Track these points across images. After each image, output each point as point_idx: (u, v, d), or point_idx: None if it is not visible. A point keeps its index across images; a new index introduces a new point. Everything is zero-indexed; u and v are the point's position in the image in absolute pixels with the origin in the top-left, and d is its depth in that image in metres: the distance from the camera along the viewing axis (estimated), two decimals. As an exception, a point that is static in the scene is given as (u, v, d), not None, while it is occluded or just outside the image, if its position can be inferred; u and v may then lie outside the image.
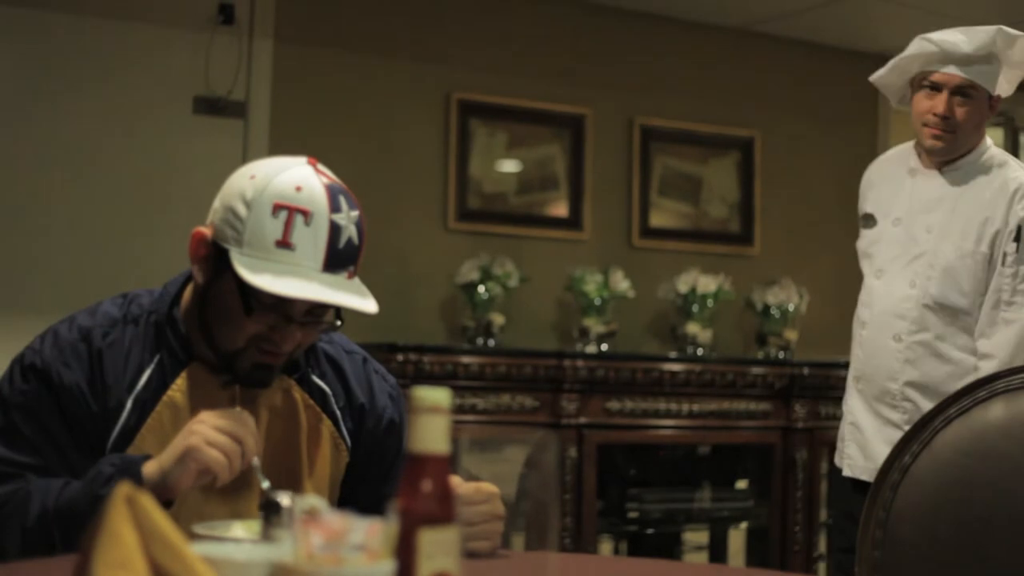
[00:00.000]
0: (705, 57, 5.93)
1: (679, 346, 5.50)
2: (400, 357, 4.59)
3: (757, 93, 6.03)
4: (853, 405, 3.38)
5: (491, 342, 5.06)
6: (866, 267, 3.39)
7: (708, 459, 5.47)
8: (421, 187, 5.30)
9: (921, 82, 3.25)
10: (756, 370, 5.26)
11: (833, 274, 5.99)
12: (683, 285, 5.47)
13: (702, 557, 5.50)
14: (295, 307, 1.85)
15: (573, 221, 5.59)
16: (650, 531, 5.28)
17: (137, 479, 1.75)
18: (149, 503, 1.10)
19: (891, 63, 3.34)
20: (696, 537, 5.53)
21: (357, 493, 2.04)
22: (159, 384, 1.90)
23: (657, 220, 5.80)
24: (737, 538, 5.58)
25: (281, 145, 4.59)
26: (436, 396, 1.07)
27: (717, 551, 5.49)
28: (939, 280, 3.19)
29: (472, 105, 5.40)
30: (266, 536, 1.59)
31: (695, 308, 5.48)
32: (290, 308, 1.85)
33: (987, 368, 3.09)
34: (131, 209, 4.76)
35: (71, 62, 4.72)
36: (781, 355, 5.59)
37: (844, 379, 5.37)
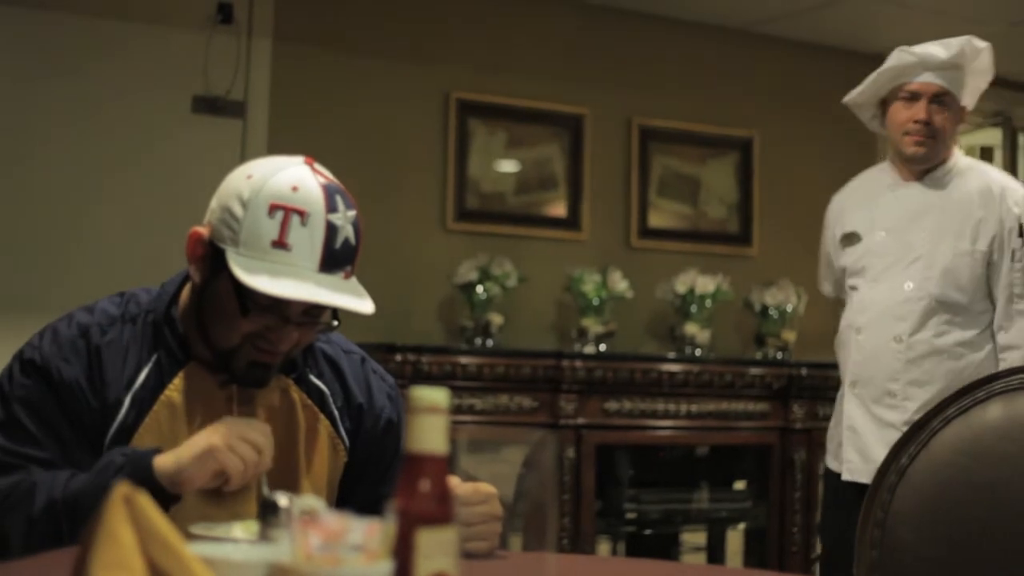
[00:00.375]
0: (704, 57, 5.93)
1: (677, 347, 5.50)
2: (398, 357, 4.59)
3: (756, 94, 6.03)
4: (850, 410, 3.43)
5: (489, 342, 5.06)
6: (855, 280, 3.47)
7: (706, 460, 5.47)
8: (419, 187, 5.30)
9: (898, 94, 3.39)
10: (754, 371, 5.26)
11: (831, 275, 5.99)
12: (681, 286, 5.47)
13: (700, 558, 5.50)
14: (292, 308, 1.85)
15: (572, 221, 5.59)
16: (648, 532, 5.28)
17: (148, 471, 1.75)
18: (147, 503, 1.10)
19: (869, 78, 3.48)
20: (694, 538, 5.53)
21: (355, 493, 2.04)
22: (157, 383, 1.90)
23: (656, 220, 5.80)
24: (735, 539, 5.58)
25: (279, 144, 4.60)
26: (434, 396, 1.07)
27: (715, 552, 5.49)
28: (939, 280, 3.30)
29: (471, 105, 5.40)
30: (264, 537, 1.59)
31: (693, 309, 5.48)
32: (287, 309, 1.84)
33: (1012, 359, 3.26)
34: (129, 208, 4.76)
35: (69, 61, 4.71)
36: (779, 356, 5.59)
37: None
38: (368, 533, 1.08)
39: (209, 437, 1.76)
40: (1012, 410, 1.99)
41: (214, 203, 1.88)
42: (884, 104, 3.48)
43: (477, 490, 1.77)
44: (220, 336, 1.88)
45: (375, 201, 4.97)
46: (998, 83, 6.56)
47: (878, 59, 6.60)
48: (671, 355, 5.33)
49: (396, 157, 5.26)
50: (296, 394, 2.00)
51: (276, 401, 1.97)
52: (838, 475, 3.48)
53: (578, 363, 4.91)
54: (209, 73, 4.92)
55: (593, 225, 5.61)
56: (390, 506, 1.06)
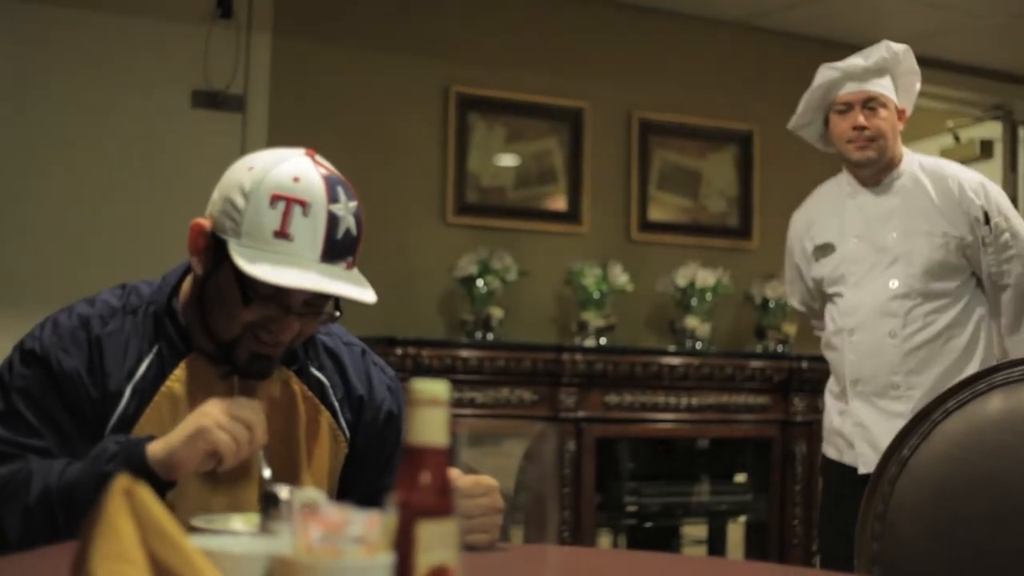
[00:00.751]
0: (704, 51, 5.93)
1: (678, 340, 5.50)
2: (399, 351, 4.59)
3: (756, 87, 6.03)
4: (856, 408, 3.53)
5: (490, 336, 5.06)
6: (836, 288, 3.59)
7: (707, 453, 5.47)
8: (419, 181, 5.30)
9: (833, 108, 3.56)
10: (755, 364, 5.26)
11: (832, 268, 5.99)
12: (682, 279, 5.47)
13: (701, 551, 5.50)
14: (293, 297, 1.85)
15: (572, 215, 5.59)
16: (649, 525, 5.29)
17: (141, 458, 1.75)
18: (147, 496, 1.10)
19: (803, 100, 3.67)
20: (695, 531, 5.53)
21: (355, 485, 2.05)
22: (158, 374, 1.90)
23: (656, 214, 5.80)
24: (736, 532, 5.58)
25: (279, 139, 4.59)
26: (435, 388, 1.07)
27: (716, 545, 5.49)
28: (921, 275, 3.45)
29: (470, 99, 5.40)
30: (264, 529, 1.59)
31: (694, 302, 5.48)
32: (288, 299, 1.85)
33: (1017, 340, 3.47)
34: (129, 202, 4.76)
35: (69, 55, 4.71)
36: (780, 349, 5.59)
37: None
38: (369, 525, 1.08)
39: (198, 419, 1.76)
40: (1013, 402, 1.99)
41: (216, 195, 1.88)
42: (827, 122, 3.63)
43: (478, 483, 1.77)
44: (221, 327, 1.89)
45: (375, 195, 4.96)
46: (998, 76, 6.59)
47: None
48: (671, 348, 5.33)
49: (396, 151, 5.26)
50: (297, 386, 2.00)
51: (277, 393, 1.97)
52: (833, 462, 3.61)
53: (578, 356, 4.91)
54: (209, 67, 4.92)
55: (593, 219, 5.61)
56: (391, 498, 1.06)
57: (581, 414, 4.92)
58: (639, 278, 5.47)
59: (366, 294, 1.84)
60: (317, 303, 1.89)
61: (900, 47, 3.53)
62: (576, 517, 4.87)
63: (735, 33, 5.98)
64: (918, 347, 3.44)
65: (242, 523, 1.67)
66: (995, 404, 2.00)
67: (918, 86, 3.61)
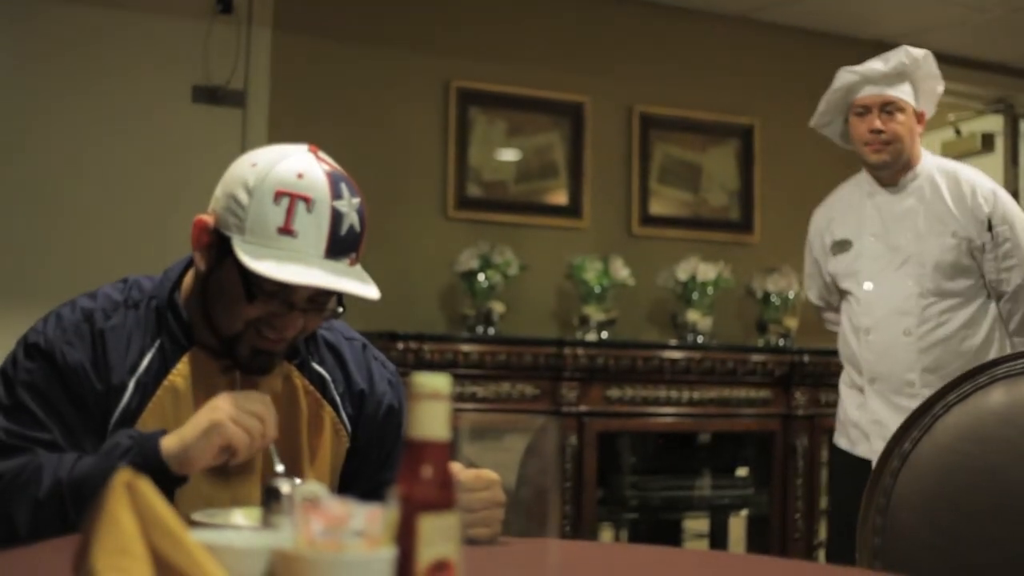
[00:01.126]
0: (704, 45, 5.92)
1: (679, 334, 5.50)
2: (400, 345, 4.59)
3: (756, 81, 6.02)
4: (873, 405, 3.62)
5: (491, 330, 5.06)
6: (850, 284, 3.70)
7: (708, 447, 5.47)
8: (420, 176, 5.30)
9: (851, 110, 3.64)
10: (756, 358, 5.26)
11: (833, 261, 5.99)
12: (683, 273, 5.47)
13: (703, 544, 5.51)
14: (297, 294, 1.85)
15: (573, 209, 5.59)
16: (650, 519, 5.29)
17: (155, 452, 1.75)
18: (148, 489, 1.10)
19: (823, 101, 3.75)
20: (697, 525, 5.54)
21: (356, 479, 2.05)
22: (160, 368, 1.90)
23: (657, 208, 5.80)
24: (738, 525, 5.58)
25: (280, 134, 4.59)
26: (436, 382, 1.07)
27: (718, 538, 5.50)
28: (931, 275, 3.55)
29: (471, 93, 5.40)
30: (266, 523, 1.59)
31: (695, 296, 5.48)
32: (292, 295, 1.85)
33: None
34: (130, 197, 4.76)
35: (70, 51, 4.71)
36: (781, 343, 5.59)
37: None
38: (370, 519, 1.08)
39: (211, 414, 1.76)
40: (1014, 395, 1.99)
41: (219, 191, 1.88)
42: (846, 120, 3.72)
43: (479, 476, 1.77)
44: (224, 322, 1.89)
45: (376, 190, 4.96)
46: (999, 69, 6.58)
47: (879, 45, 6.61)
48: (673, 342, 5.33)
49: (397, 146, 5.26)
50: (299, 380, 2.00)
51: (279, 387, 1.98)
52: (843, 452, 3.71)
53: (580, 351, 4.91)
54: (209, 62, 4.91)
55: (594, 213, 5.61)
56: (392, 492, 1.06)
57: (582, 408, 4.92)
58: (640, 272, 5.46)
59: (370, 290, 1.84)
60: (320, 299, 1.89)
61: (919, 52, 3.61)
62: (577, 511, 4.88)
63: (736, 27, 5.97)
64: (933, 345, 3.52)
65: (243, 517, 1.67)
66: (996, 397, 2.00)
67: (940, 89, 3.69)
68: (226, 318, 1.88)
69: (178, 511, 1.16)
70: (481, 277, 5.09)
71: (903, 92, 3.59)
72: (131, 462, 1.71)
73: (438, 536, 1.05)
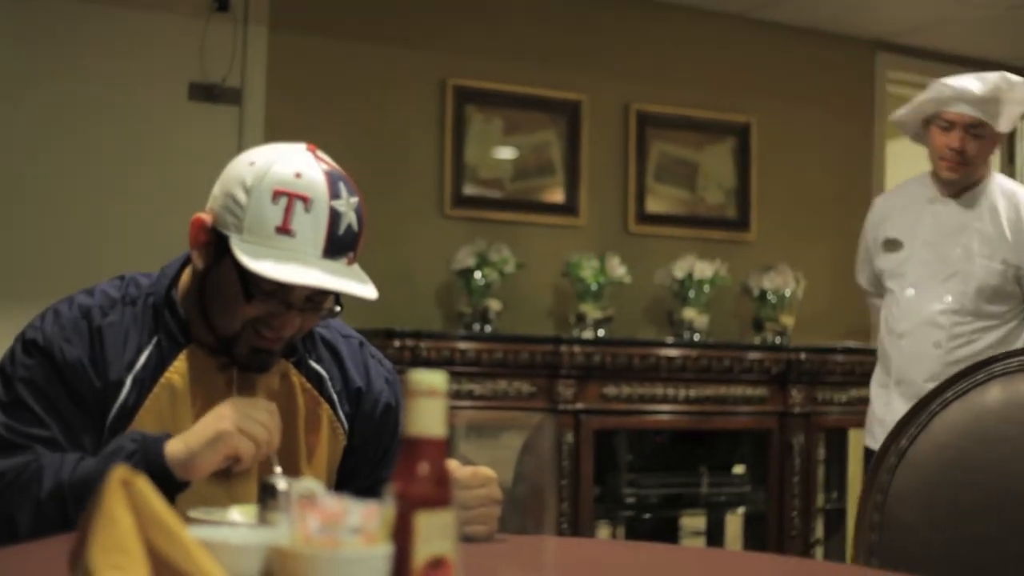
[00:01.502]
0: (701, 43, 5.92)
1: (676, 332, 5.50)
2: (397, 343, 4.59)
3: (753, 79, 6.02)
4: (896, 405, 3.66)
5: (488, 328, 5.06)
6: (894, 284, 3.77)
7: (705, 444, 5.47)
8: (417, 174, 5.30)
9: (936, 120, 3.66)
10: (753, 355, 5.26)
11: (829, 259, 5.99)
12: (679, 271, 5.47)
13: (699, 542, 5.51)
14: (295, 293, 1.85)
15: (569, 207, 5.59)
16: (647, 516, 5.29)
17: (159, 457, 1.75)
18: (145, 487, 1.10)
19: (913, 103, 3.76)
20: (693, 522, 5.54)
21: (353, 477, 2.05)
22: (157, 365, 1.91)
23: (653, 206, 5.80)
24: (734, 523, 5.58)
25: (276, 132, 4.59)
26: (433, 379, 1.07)
27: (714, 536, 5.50)
28: (974, 296, 3.62)
29: (468, 91, 5.40)
30: (263, 520, 1.59)
31: (691, 294, 5.48)
32: (290, 294, 1.85)
33: None
34: (126, 194, 4.75)
35: (65, 48, 4.71)
36: (778, 340, 5.59)
37: (841, 364, 5.45)
38: (367, 516, 1.08)
39: (217, 423, 1.76)
40: (1011, 392, 1.99)
41: (217, 190, 1.88)
42: (927, 123, 3.74)
43: (476, 474, 1.77)
44: (222, 322, 1.89)
45: (373, 188, 4.94)
46: (995, 67, 6.57)
47: (875, 44, 6.61)
48: (669, 340, 5.33)
49: (393, 144, 5.26)
50: (296, 378, 2.00)
51: (276, 385, 1.98)
52: (871, 450, 3.79)
53: (576, 348, 4.91)
54: (205, 60, 4.91)
55: (591, 211, 5.61)
56: (389, 489, 1.06)
57: (579, 406, 4.92)
58: (637, 270, 5.46)
59: (367, 290, 1.85)
60: (318, 299, 1.89)
61: (1017, 79, 3.67)
62: (574, 509, 4.88)
63: (733, 25, 5.97)
64: (959, 361, 3.54)
65: (240, 514, 1.67)
66: (993, 394, 2.00)
67: (1019, 112, 3.73)
68: (224, 317, 1.89)
69: (175, 508, 1.16)
70: (478, 275, 5.09)
71: (990, 115, 3.62)
72: (134, 466, 1.71)
73: (435, 533, 1.05)
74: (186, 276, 1.97)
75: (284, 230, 1.81)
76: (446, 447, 1.08)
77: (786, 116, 6.11)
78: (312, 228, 1.81)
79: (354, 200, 1.87)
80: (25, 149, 4.65)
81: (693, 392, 5.15)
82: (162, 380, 1.90)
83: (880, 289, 3.88)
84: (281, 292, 1.85)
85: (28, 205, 4.64)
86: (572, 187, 5.59)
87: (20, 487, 1.78)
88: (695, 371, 5.14)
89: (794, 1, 5.80)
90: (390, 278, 5.00)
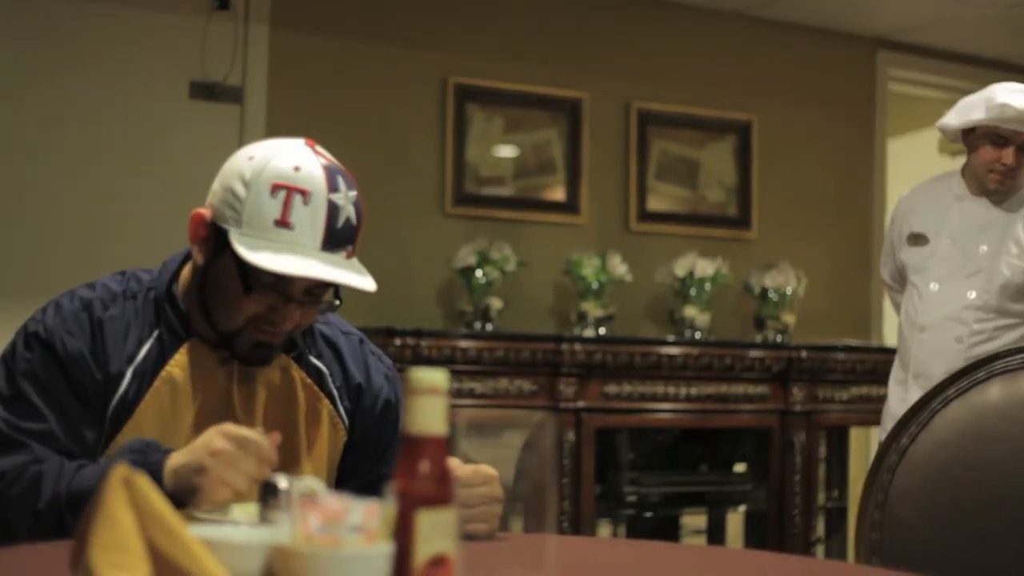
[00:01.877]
0: (702, 41, 5.92)
1: (677, 330, 5.50)
2: (398, 341, 4.59)
3: (754, 77, 6.02)
4: (913, 399, 3.65)
5: (489, 326, 5.06)
6: (918, 279, 3.80)
7: (706, 442, 5.47)
8: (418, 172, 5.30)
9: (989, 135, 3.69)
10: (754, 353, 5.26)
11: (831, 257, 5.99)
12: (681, 269, 5.47)
13: (700, 540, 5.51)
14: (294, 286, 1.86)
15: (570, 205, 5.59)
16: (648, 514, 5.29)
17: (157, 477, 1.71)
18: (146, 485, 1.10)
19: (961, 116, 3.78)
20: (694, 520, 5.54)
21: (353, 473, 2.06)
22: (158, 358, 1.91)
23: (654, 204, 5.80)
24: (735, 521, 5.58)
25: (277, 130, 4.58)
26: (434, 377, 1.07)
27: (716, 534, 5.50)
28: (997, 292, 3.66)
29: (469, 90, 5.40)
30: (264, 518, 1.59)
31: (693, 292, 5.48)
32: (289, 287, 1.86)
33: None
34: (127, 193, 4.75)
35: (66, 47, 4.71)
36: (779, 339, 5.59)
37: (842, 362, 5.45)
38: (368, 514, 1.08)
39: (203, 456, 1.69)
40: (1012, 390, 1.99)
41: (216, 185, 1.89)
42: (970, 130, 3.76)
43: (477, 472, 1.77)
44: (223, 318, 1.90)
45: (374, 186, 4.95)
46: (996, 66, 6.58)
47: (876, 42, 6.60)
48: (670, 338, 5.32)
49: (394, 142, 5.25)
50: (296, 373, 2.01)
51: (277, 380, 1.98)
52: None
53: (577, 347, 4.91)
54: (206, 59, 4.91)
55: (592, 209, 5.61)
56: (390, 487, 1.06)
57: (580, 404, 4.92)
58: (638, 268, 5.46)
59: (366, 282, 1.85)
60: (318, 292, 1.90)
61: None
62: (576, 507, 4.88)
63: (734, 23, 5.97)
64: (978, 358, 3.54)
65: (241, 513, 1.67)
66: (994, 392, 2.00)
67: None
68: (225, 313, 1.89)
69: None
70: (479, 273, 5.09)
71: None
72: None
73: (436, 532, 1.05)
74: (187, 271, 1.98)
75: (283, 223, 1.82)
76: (447, 445, 1.08)
77: (787, 114, 6.11)
78: (311, 221, 1.82)
79: (352, 194, 1.88)
80: (25, 149, 4.65)
81: (694, 390, 5.14)
82: (163, 373, 1.90)
83: (903, 284, 3.93)
84: (280, 285, 1.85)
85: (28, 205, 4.64)
86: (573, 185, 5.59)
87: (19, 494, 1.78)
88: (696, 369, 5.14)
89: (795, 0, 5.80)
90: (391, 276, 5.01)
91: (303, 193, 1.82)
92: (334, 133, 4.84)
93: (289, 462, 1.91)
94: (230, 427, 1.72)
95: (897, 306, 3.98)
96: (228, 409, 1.92)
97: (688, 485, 5.30)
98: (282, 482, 1.65)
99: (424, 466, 1.06)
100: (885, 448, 2.04)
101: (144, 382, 1.89)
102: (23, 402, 1.85)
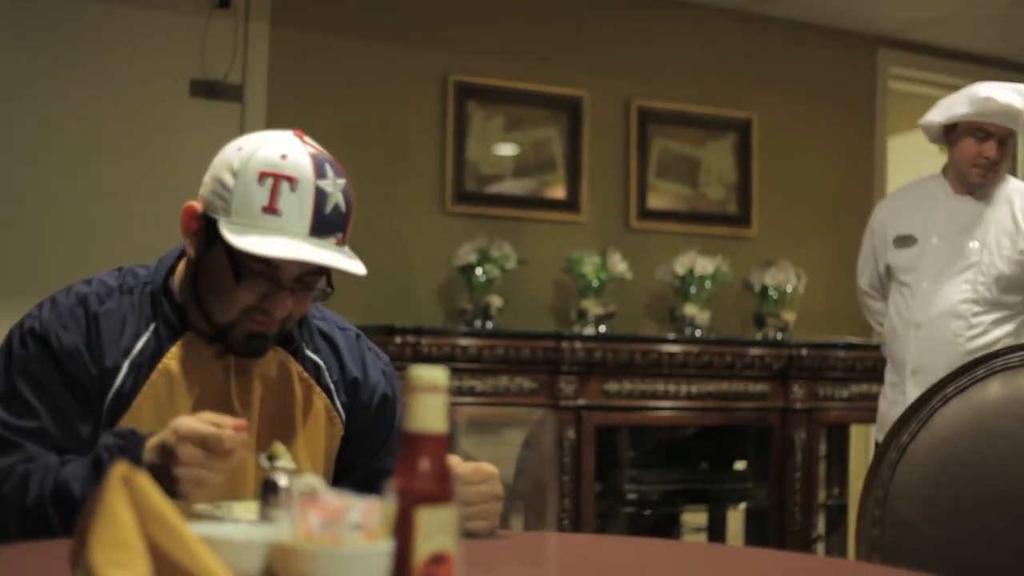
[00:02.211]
0: (702, 39, 5.92)
1: (677, 328, 5.50)
2: (398, 339, 4.58)
3: (754, 75, 6.02)
4: (912, 395, 3.69)
5: (489, 324, 5.06)
6: (909, 278, 3.86)
7: (707, 440, 5.47)
8: (418, 170, 5.30)
9: (972, 130, 3.76)
10: (754, 351, 5.26)
11: (831, 255, 5.99)
12: (681, 267, 5.47)
13: (701, 538, 5.51)
14: (285, 272, 1.87)
15: (571, 203, 5.59)
16: (649, 512, 5.29)
17: (138, 456, 1.73)
18: (146, 483, 1.10)
19: (944, 111, 3.84)
20: (695, 518, 5.54)
21: (351, 468, 2.06)
22: (155, 351, 1.92)
23: (655, 202, 5.80)
24: (736, 519, 5.59)
25: (278, 128, 4.56)
26: (434, 375, 1.07)
27: (716, 532, 5.50)
28: (992, 285, 3.73)
29: (469, 88, 5.39)
30: (264, 516, 1.59)
31: (693, 290, 5.48)
32: (280, 274, 1.87)
33: None
34: (127, 193, 4.75)
35: (66, 46, 4.71)
36: (779, 336, 5.59)
37: (842, 360, 5.45)
38: (368, 512, 1.08)
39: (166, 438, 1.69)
40: (1011, 388, 1.99)
41: (207, 177, 1.93)
42: (951, 126, 3.83)
43: (478, 470, 1.78)
44: (217, 310, 1.91)
45: (374, 184, 4.97)
46: (996, 64, 6.58)
47: (877, 40, 6.59)
48: (671, 336, 5.32)
49: (394, 140, 5.25)
50: (293, 366, 2.02)
51: (273, 373, 1.99)
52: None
53: (578, 344, 4.91)
54: (206, 57, 4.91)
55: (592, 207, 5.61)
56: (390, 485, 1.06)
57: (580, 402, 4.92)
58: (638, 266, 5.46)
59: (355, 266, 1.87)
60: (309, 279, 1.91)
61: None
62: (576, 505, 4.88)
63: (733, 20, 5.97)
64: (977, 350, 3.62)
65: (242, 510, 1.68)
66: (994, 390, 2.00)
67: None
68: (219, 304, 1.90)
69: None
70: (479, 271, 5.09)
71: (1019, 124, 3.76)
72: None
73: (436, 529, 1.05)
74: (182, 266, 1.99)
75: (270, 209, 1.84)
76: (447, 443, 1.08)
77: (787, 112, 6.11)
78: (298, 207, 1.84)
79: (341, 181, 1.90)
80: (25, 149, 4.65)
81: (695, 388, 5.14)
82: (159, 366, 1.91)
83: (883, 292, 3.99)
84: (270, 271, 1.87)
85: (28, 205, 4.64)
86: (573, 183, 5.59)
87: (8, 493, 1.79)
88: (696, 367, 5.14)
89: (795, -3, 5.80)
90: (391, 274, 5.01)
91: (290, 180, 1.85)
92: (334, 131, 4.83)
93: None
94: (186, 425, 1.68)
95: (873, 313, 4.07)
96: (225, 402, 1.92)
97: (688, 483, 5.30)
98: (282, 480, 1.65)
99: (424, 464, 1.05)
100: (885, 445, 2.04)
101: (141, 375, 1.90)
102: (18, 399, 1.86)
